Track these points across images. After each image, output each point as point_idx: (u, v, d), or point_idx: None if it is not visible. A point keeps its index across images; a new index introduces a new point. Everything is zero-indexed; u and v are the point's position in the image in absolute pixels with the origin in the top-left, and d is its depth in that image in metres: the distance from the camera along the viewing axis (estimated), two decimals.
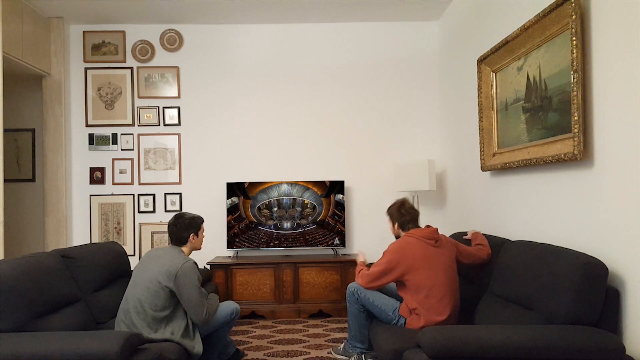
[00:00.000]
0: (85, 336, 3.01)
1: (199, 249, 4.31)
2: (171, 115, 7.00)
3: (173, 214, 6.77)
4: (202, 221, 4.28)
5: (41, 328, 3.34)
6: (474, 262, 4.33)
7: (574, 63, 3.41)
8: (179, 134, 7.02)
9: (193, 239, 4.15)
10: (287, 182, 6.80)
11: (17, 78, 6.86)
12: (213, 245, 6.86)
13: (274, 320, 6.26)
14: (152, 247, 6.88)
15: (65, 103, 6.77)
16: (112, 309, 4.21)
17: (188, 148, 7.04)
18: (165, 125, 7.01)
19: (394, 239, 4.44)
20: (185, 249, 4.13)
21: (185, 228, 4.10)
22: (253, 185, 6.78)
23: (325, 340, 5.34)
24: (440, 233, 4.25)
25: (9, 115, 7.08)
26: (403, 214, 4.35)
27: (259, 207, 6.77)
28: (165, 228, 6.72)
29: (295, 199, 6.78)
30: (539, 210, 4.12)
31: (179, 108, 7.02)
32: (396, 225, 4.41)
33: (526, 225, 4.35)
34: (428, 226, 4.30)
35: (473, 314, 4.07)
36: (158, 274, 3.81)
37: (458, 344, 2.80)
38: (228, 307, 4.28)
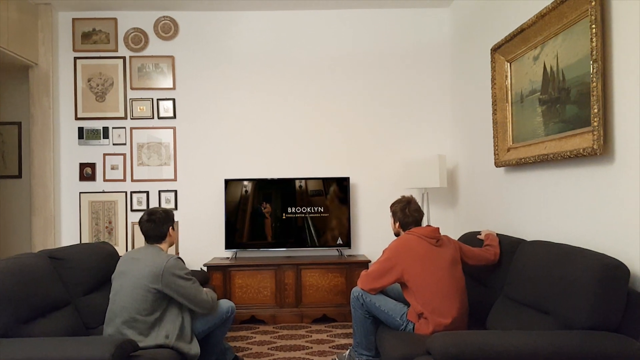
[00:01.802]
0: (75, 342, 3.02)
1: (174, 243, 4.31)
2: (166, 107, 7.01)
3: None
4: (174, 214, 4.30)
5: (28, 334, 3.34)
6: (480, 264, 4.35)
7: (594, 52, 3.41)
8: (174, 128, 7.02)
9: (171, 232, 4.16)
10: (288, 179, 6.82)
11: (2, 68, 6.88)
12: (210, 246, 6.88)
13: (275, 325, 6.26)
14: None
15: (53, 95, 6.78)
16: (103, 313, 4.17)
17: (184, 142, 7.04)
18: (159, 118, 7.01)
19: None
20: (163, 245, 4.12)
21: (163, 222, 4.08)
22: (252, 182, 6.80)
23: (329, 347, 5.35)
24: (442, 234, 4.27)
25: None
26: (407, 215, 4.38)
27: (258, 205, 6.79)
28: None
29: (298, 196, 6.80)
30: (556, 209, 4.12)
31: (174, 100, 7.02)
32: (397, 224, 4.45)
33: (542, 225, 4.35)
34: (429, 225, 4.34)
35: (486, 318, 4.07)
36: (142, 277, 3.78)
37: (470, 350, 2.80)
38: (222, 305, 4.30)
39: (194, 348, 3.93)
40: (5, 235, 7.27)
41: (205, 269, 6.31)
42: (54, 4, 6.74)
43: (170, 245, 4.21)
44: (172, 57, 7.03)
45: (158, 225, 4.07)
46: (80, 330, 3.93)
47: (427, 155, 6.41)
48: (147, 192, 6.99)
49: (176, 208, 6.96)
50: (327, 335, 5.76)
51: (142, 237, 6.82)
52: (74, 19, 6.98)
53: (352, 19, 7.11)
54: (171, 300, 3.88)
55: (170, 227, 4.15)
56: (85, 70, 6.99)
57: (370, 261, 6.40)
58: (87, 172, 6.95)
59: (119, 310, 3.77)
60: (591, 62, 3.44)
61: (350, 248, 6.81)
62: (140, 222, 4.11)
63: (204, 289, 4.17)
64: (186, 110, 7.04)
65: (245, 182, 6.79)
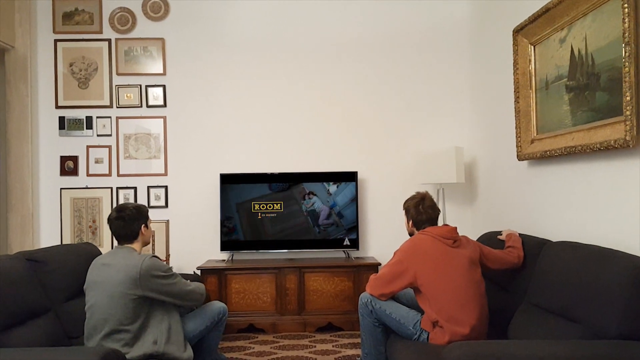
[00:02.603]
0: (56, 353, 3.03)
1: (149, 242, 4.31)
2: (155, 95, 7.02)
3: (158, 210, 6.86)
4: (148, 209, 4.29)
5: (4, 343, 3.34)
6: (503, 267, 4.33)
7: (626, 34, 3.40)
8: (164, 117, 7.03)
9: (144, 230, 4.15)
10: (290, 173, 6.83)
11: None
12: (204, 247, 6.89)
13: (276, 334, 6.27)
14: None
15: (31, 81, 6.80)
16: (83, 320, 4.16)
17: (175, 133, 7.05)
18: (148, 106, 7.02)
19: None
20: (136, 245, 4.10)
21: (134, 219, 4.07)
22: (251, 177, 6.82)
23: (335, 358, 5.36)
24: (461, 234, 4.26)
25: None
26: (420, 212, 4.36)
27: (257, 203, 6.80)
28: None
29: (300, 192, 6.81)
30: (584, 206, 4.11)
31: (164, 87, 7.02)
32: (410, 223, 4.44)
33: (569, 224, 4.34)
34: (446, 225, 4.32)
35: (507, 327, 4.05)
36: (117, 284, 3.76)
37: None
38: (214, 305, 4.32)
39: (188, 351, 3.94)
40: None
41: (198, 272, 6.32)
42: None
43: (144, 245, 4.21)
44: (162, 40, 7.03)
45: (128, 223, 4.05)
46: (62, 340, 3.93)
47: (443, 148, 6.41)
48: (135, 188, 7.00)
49: (167, 205, 6.98)
50: (333, 346, 5.77)
51: None
52: None
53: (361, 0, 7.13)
54: (154, 302, 3.88)
55: (143, 225, 4.13)
56: (66, 54, 7.00)
57: (380, 264, 6.40)
58: (68, 166, 6.96)
59: (99, 324, 3.77)
60: (623, 44, 3.43)
61: (358, 249, 6.83)
62: (109, 220, 4.09)
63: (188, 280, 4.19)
64: (178, 98, 7.04)
65: (243, 177, 6.80)
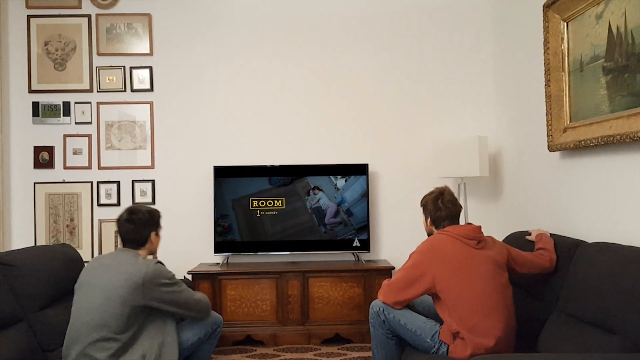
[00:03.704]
0: None
1: (155, 252, 4.34)
2: (141, 77, 7.03)
3: None
4: (160, 215, 4.33)
5: None
6: (533, 272, 4.31)
7: None
8: (151, 103, 7.04)
9: (153, 238, 4.18)
10: (293, 166, 6.84)
11: None
12: (196, 249, 6.90)
13: (276, 347, 6.28)
14: (115, 249, 6.86)
15: (2, 62, 6.81)
16: (63, 332, 4.11)
17: (163, 121, 7.06)
18: (133, 91, 7.03)
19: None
20: (141, 252, 4.12)
21: (145, 224, 4.10)
22: (248, 170, 6.82)
23: None
24: (485, 234, 4.23)
25: None
26: (439, 208, 4.32)
27: (256, 199, 6.81)
28: None
29: (304, 187, 6.82)
30: (623, 203, 4.11)
31: (151, 68, 7.04)
32: (429, 220, 4.42)
33: (607, 223, 4.35)
34: (469, 224, 4.31)
35: (537, 338, 4.07)
36: (116, 287, 3.76)
37: None
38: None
39: None
40: None
41: (189, 277, 6.31)
42: None
43: (150, 253, 4.23)
44: (148, 16, 7.04)
45: (139, 227, 4.08)
46: (35, 353, 3.95)
47: (465, 138, 6.39)
48: (118, 183, 7.02)
49: (154, 202, 6.99)
50: None
51: (111, 238, 6.90)
52: None
53: None
54: (151, 314, 3.90)
55: (154, 232, 4.18)
56: (41, 32, 7.00)
57: (393, 268, 6.41)
58: (43, 157, 6.98)
59: (86, 329, 3.76)
60: None
61: (369, 251, 6.83)
62: (119, 221, 4.12)
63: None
64: (166, 81, 7.05)
65: (240, 170, 6.81)
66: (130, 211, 4.12)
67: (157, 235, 4.23)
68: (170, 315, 4.02)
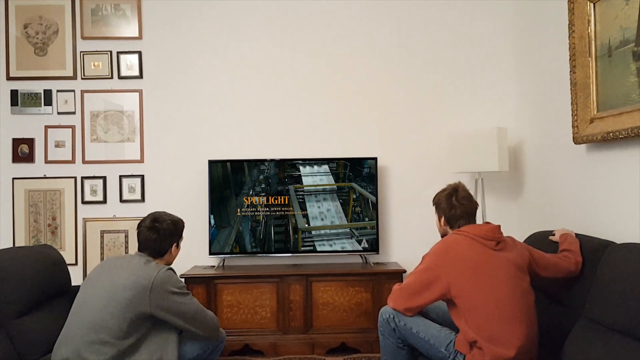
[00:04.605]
0: None
1: (172, 263, 4.37)
2: (129, 63, 7.03)
3: (132, 205, 6.85)
4: (184, 226, 4.40)
5: None
6: (557, 275, 4.30)
7: None
8: (140, 91, 7.05)
9: (174, 250, 4.27)
10: (294, 160, 6.83)
11: None
12: (189, 250, 6.79)
13: (277, 357, 6.28)
14: (102, 252, 6.94)
15: None
16: (44, 341, 4.18)
17: (153, 111, 7.07)
18: (120, 78, 7.04)
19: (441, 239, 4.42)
20: (158, 261, 4.18)
21: (169, 235, 4.20)
22: (246, 164, 6.81)
23: None
24: (506, 234, 4.21)
25: None
26: (453, 206, 4.32)
27: (254, 196, 6.81)
28: (121, 226, 6.83)
29: (307, 183, 6.82)
30: None
31: (140, 54, 7.04)
32: (443, 220, 4.42)
33: (638, 222, 4.35)
34: (487, 223, 4.29)
35: (561, 348, 4.06)
36: (122, 288, 3.80)
37: None
38: None
39: None
40: None
41: (182, 281, 6.26)
42: None
43: (166, 264, 4.27)
44: None
45: (162, 238, 4.18)
46: None
47: (482, 129, 6.38)
48: (104, 178, 7.02)
49: (143, 199, 7.01)
50: None
51: (97, 239, 6.89)
52: None
53: None
54: (155, 325, 3.92)
55: (175, 245, 4.28)
56: (20, 14, 7.00)
57: (405, 271, 6.43)
58: (22, 150, 6.98)
59: (84, 327, 3.78)
60: None
61: (378, 253, 6.84)
62: (140, 227, 4.20)
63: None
64: (157, 68, 7.06)
65: (236, 165, 6.80)
66: (154, 219, 4.20)
67: (178, 246, 4.33)
68: (173, 331, 4.04)
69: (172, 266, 4.11)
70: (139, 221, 4.25)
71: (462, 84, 7.06)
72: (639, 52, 4.20)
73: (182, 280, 5.75)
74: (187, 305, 3.95)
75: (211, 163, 6.76)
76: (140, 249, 4.18)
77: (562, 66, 5.51)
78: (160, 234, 4.12)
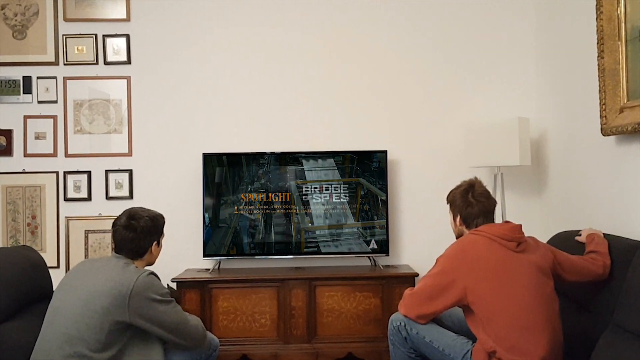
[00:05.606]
0: None
1: (153, 263, 4.37)
2: (116, 47, 7.04)
3: (120, 202, 6.85)
4: (164, 221, 4.37)
5: None
6: (583, 279, 4.29)
7: None
8: (128, 78, 7.05)
9: (154, 249, 4.25)
10: (296, 153, 6.83)
11: None
12: (182, 252, 6.89)
13: None
14: (86, 254, 6.96)
15: None
16: (23, 349, 4.12)
17: (143, 99, 7.07)
18: (106, 63, 7.05)
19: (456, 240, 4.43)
20: (138, 263, 4.17)
21: (147, 233, 4.17)
22: (244, 158, 6.82)
23: None
24: (527, 234, 4.21)
25: None
26: (469, 203, 4.30)
27: (253, 193, 6.82)
28: (107, 226, 6.75)
29: (310, 179, 6.83)
30: None
31: (128, 37, 7.05)
32: (458, 219, 4.41)
33: None
34: (507, 222, 4.29)
35: (588, 358, 4.05)
36: (99, 295, 3.79)
37: None
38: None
39: None
40: None
41: (174, 285, 6.35)
42: None
43: (148, 265, 4.28)
44: None
45: (139, 236, 4.15)
46: None
47: (502, 120, 6.40)
48: (89, 173, 7.04)
49: (131, 196, 7.03)
50: None
51: (81, 239, 6.92)
52: None
53: None
54: (135, 336, 3.92)
55: (155, 242, 4.25)
56: None
57: (417, 275, 6.41)
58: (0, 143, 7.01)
59: (58, 340, 3.78)
60: None
61: (388, 255, 6.84)
62: (115, 226, 4.17)
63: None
64: (146, 53, 7.07)
65: (233, 159, 6.82)
66: (129, 216, 4.17)
67: (159, 245, 4.31)
68: (157, 341, 4.04)
69: (156, 271, 4.10)
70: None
71: (480, 70, 7.05)
72: None
73: (166, 286, 5.80)
74: (168, 315, 3.93)
75: (206, 157, 6.76)
76: (117, 250, 4.15)
77: (589, 51, 5.50)
78: (138, 232, 4.09)
